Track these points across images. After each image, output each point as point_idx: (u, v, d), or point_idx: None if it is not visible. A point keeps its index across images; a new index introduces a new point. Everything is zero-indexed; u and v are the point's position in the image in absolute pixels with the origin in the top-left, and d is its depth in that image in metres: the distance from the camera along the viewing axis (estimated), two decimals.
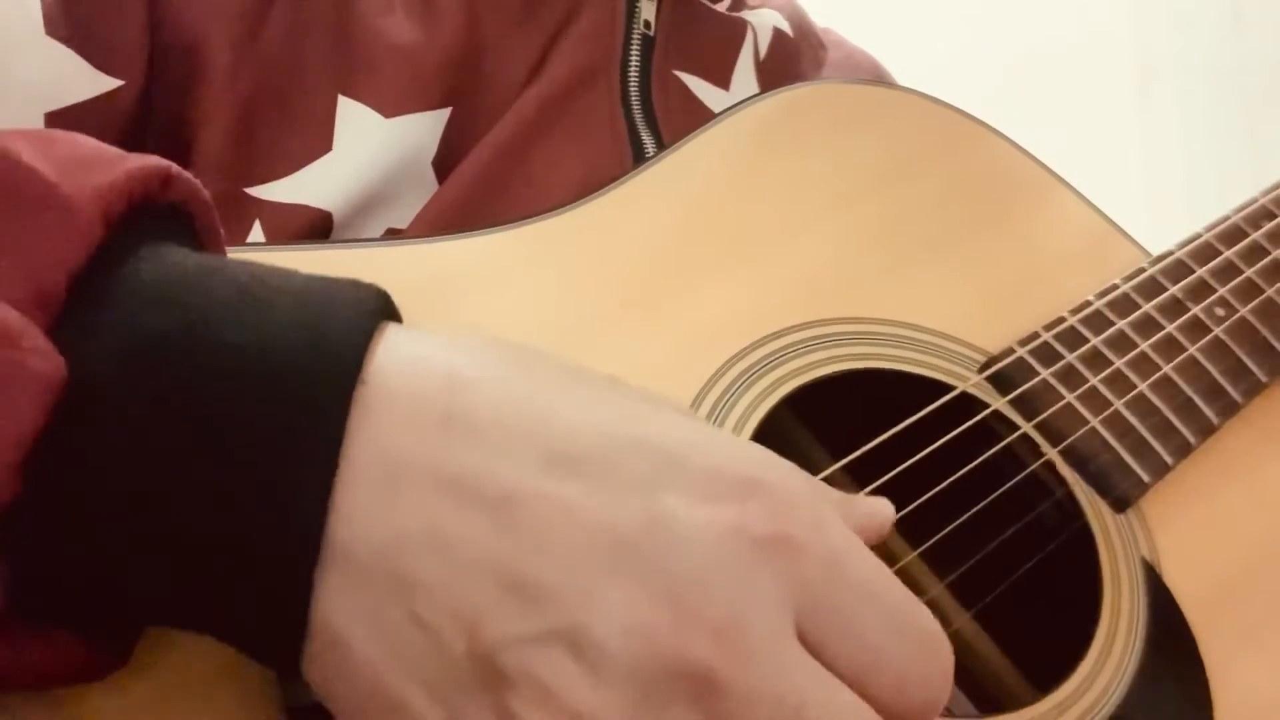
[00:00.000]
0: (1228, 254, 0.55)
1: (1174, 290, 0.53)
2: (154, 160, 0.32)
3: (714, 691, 0.27)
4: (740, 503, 0.29)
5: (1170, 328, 0.52)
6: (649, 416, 0.31)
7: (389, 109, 0.52)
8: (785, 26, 0.67)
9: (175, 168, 0.33)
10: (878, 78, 0.71)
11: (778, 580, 0.28)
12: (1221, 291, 0.54)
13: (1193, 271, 0.54)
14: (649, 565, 0.28)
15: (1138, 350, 0.51)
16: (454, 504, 0.28)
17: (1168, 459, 0.49)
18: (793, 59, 0.66)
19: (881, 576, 0.30)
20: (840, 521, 0.30)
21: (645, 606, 0.27)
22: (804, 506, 0.30)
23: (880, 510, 0.34)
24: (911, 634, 0.30)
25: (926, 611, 0.30)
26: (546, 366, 0.32)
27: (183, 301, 0.29)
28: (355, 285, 0.31)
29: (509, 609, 0.28)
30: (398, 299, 0.33)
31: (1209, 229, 0.57)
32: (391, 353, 0.30)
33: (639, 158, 0.56)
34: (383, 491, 0.28)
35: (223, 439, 0.28)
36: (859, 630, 0.29)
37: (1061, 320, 0.51)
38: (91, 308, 0.29)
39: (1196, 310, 0.53)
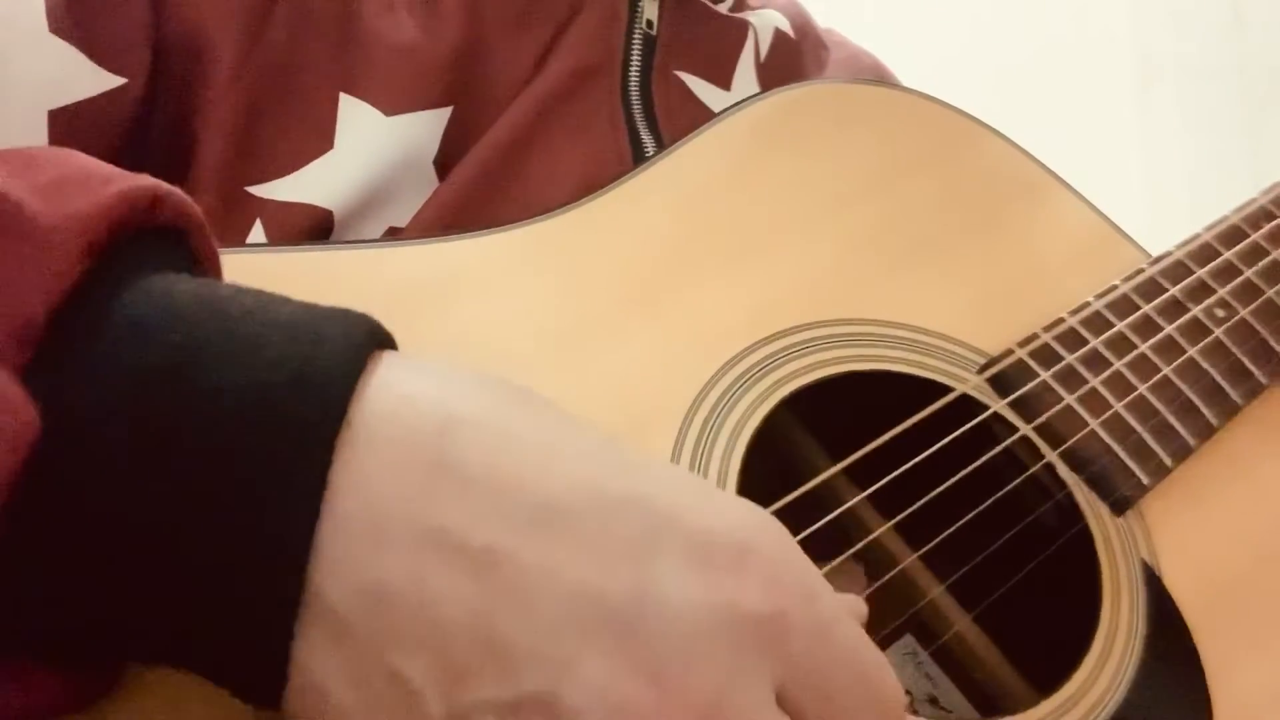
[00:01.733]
0: (1227, 255, 0.55)
1: (1174, 291, 0.53)
2: (142, 181, 0.31)
3: None
4: (733, 575, 0.29)
5: (1170, 329, 0.52)
6: (641, 471, 0.30)
7: (390, 107, 0.52)
8: (786, 27, 0.67)
9: (164, 187, 0.31)
10: (879, 78, 0.71)
11: (766, 656, 0.28)
12: (1221, 293, 0.54)
13: (1192, 272, 0.54)
14: (634, 637, 0.27)
15: (1137, 352, 0.51)
16: (438, 559, 0.28)
17: (1167, 461, 0.49)
18: (794, 59, 0.66)
19: (861, 643, 0.31)
20: (828, 586, 0.31)
21: (628, 681, 0.27)
22: (795, 575, 0.30)
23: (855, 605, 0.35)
24: (878, 701, 0.30)
25: (892, 675, 0.31)
26: (541, 411, 0.31)
27: (165, 339, 0.28)
28: (345, 318, 0.30)
29: (488, 671, 0.27)
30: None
31: (1208, 230, 0.57)
32: (381, 393, 0.29)
33: (639, 157, 0.56)
34: (366, 542, 0.28)
35: (204, 484, 0.27)
36: (834, 693, 0.30)
37: (1061, 321, 0.51)
38: (72, 344, 0.28)
39: (1196, 311, 0.53)
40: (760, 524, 0.30)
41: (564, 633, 0.27)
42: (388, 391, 0.29)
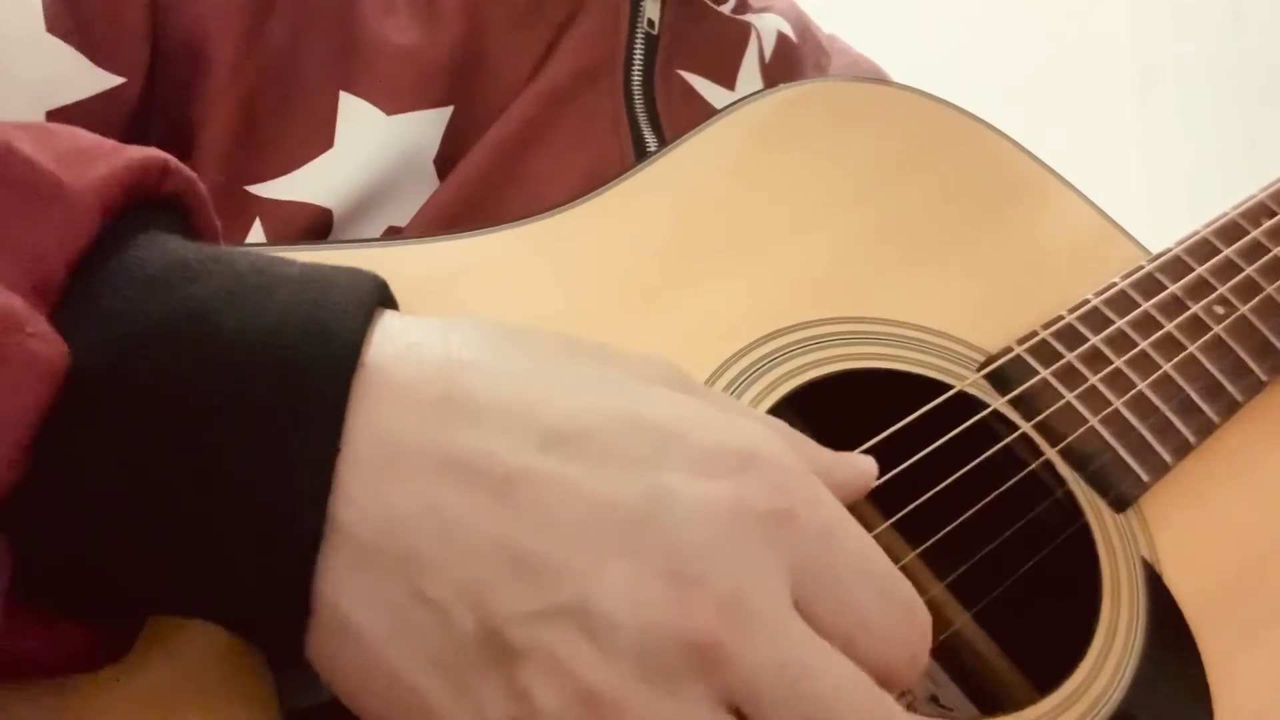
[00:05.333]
0: (1227, 252, 0.55)
1: (1173, 288, 0.53)
2: (153, 152, 0.32)
3: (719, 662, 0.28)
4: (738, 478, 0.30)
5: (1170, 326, 0.52)
6: (644, 393, 0.32)
7: (391, 106, 0.52)
8: (789, 31, 0.67)
9: (173, 160, 0.33)
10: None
11: (777, 552, 0.29)
12: (1221, 289, 0.54)
13: (1192, 269, 0.54)
14: (652, 541, 0.29)
15: (1137, 349, 0.51)
16: (456, 484, 0.29)
17: (1167, 458, 0.49)
18: (795, 63, 0.66)
19: (869, 548, 0.32)
20: (832, 495, 0.32)
21: (650, 581, 0.28)
22: (800, 481, 0.31)
23: (866, 465, 0.37)
24: (894, 600, 0.31)
25: (907, 582, 0.32)
26: (542, 344, 0.32)
27: (182, 289, 0.30)
28: (353, 273, 0.32)
29: (517, 585, 0.28)
30: (399, 299, 0.33)
31: (1208, 226, 0.57)
32: (388, 338, 0.31)
33: (641, 157, 0.56)
34: (384, 472, 0.29)
35: (223, 423, 0.28)
36: (848, 596, 0.30)
37: (1060, 319, 0.51)
38: (91, 296, 0.29)
39: (1196, 308, 0.53)
40: (766, 436, 0.31)
41: (586, 543, 0.29)
42: (392, 339, 0.31)
